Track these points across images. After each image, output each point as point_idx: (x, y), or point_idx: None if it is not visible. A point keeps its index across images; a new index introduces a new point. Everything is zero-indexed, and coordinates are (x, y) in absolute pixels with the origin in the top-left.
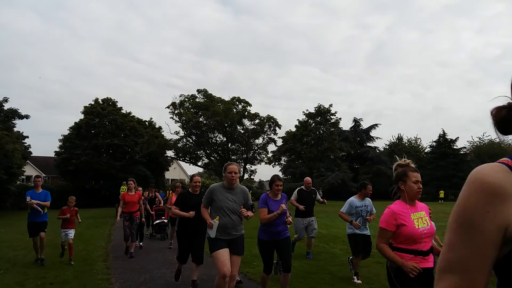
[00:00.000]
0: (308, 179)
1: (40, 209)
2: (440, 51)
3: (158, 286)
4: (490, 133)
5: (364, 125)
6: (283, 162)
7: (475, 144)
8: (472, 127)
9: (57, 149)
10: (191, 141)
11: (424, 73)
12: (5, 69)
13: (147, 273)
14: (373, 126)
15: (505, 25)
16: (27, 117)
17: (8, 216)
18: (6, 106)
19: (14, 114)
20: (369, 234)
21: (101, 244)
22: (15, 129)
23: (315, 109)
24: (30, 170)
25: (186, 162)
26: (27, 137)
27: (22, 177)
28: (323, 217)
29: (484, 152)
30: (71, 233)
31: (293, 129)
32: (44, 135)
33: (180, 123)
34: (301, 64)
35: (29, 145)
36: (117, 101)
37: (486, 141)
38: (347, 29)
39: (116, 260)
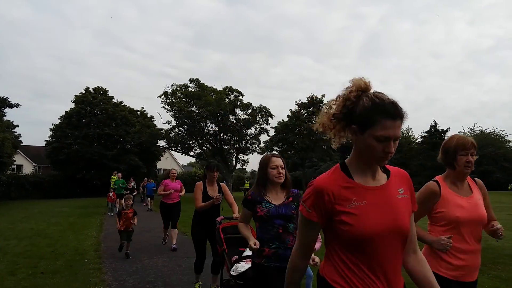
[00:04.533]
0: None
1: None
2: (433, 42)
3: (150, 275)
4: (481, 123)
5: None
6: (275, 152)
7: (466, 134)
8: (463, 118)
9: (48, 139)
10: (183, 130)
11: (417, 64)
12: None
13: (138, 262)
14: None
15: (498, 16)
16: (17, 106)
17: None
18: None
19: (4, 103)
20: None
21: (92, 233)
22: (5, 118)
23: (308, 99)
24: (20, 160)
25: (178, 152)
26: (17, 126)
27: (13, 166)
28: None
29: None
30: None
31: (286, 119)
32: (34, 124)
33: (172, 113)
34: (295, 54)
35: (20, 134)
36: (108, 90)
37: (476, 132)
38: (341, 20)
39: (107, 250)
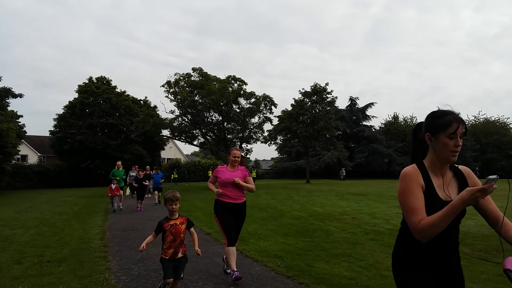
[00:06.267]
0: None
1: None
2: (438, 29)
3: (155, 263)
4: (486, 111)
5: (360, 104)
6: (279, 141)
7: (471, 122)
8: (468, 106)
9: (52, 129)
10: (186, 120)
11: (422, 52)
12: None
13: (143, 251)
14: (369, 105)
15: (503, 3)
16: (20, 96)
17: (4, 195)
18: (0, 85)
19: (8, 93)
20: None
21: (97, 222)
22: (9, 108)
23: (311, 88)
24: (25, 150)
25: (181, 141)
26: (21, 116)
27: (17, 156)
28: (318, 195)
29: (479, 130)
30: None
31: (289, 108)
32: (38, 114)
33: (175, 102)
34: (298, 42)
35: (24, 124)
36: (111, 80)
37: (481, 119)
38: (345, 8)
39: (113, 238)
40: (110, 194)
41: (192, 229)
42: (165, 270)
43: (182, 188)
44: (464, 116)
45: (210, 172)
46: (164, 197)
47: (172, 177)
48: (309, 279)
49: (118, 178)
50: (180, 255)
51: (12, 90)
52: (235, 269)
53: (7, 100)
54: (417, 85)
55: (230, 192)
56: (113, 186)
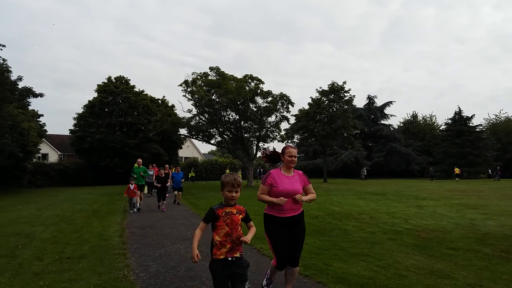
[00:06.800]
0: None
1: None
2: (457, 27)
3: (173, 261)
4: (507, 110)
5: (379, 102)
6: (296, 140)
7: (492, 121)
8: (488, 104)
9: (72, 127)
10: (203, 119)
11: (441, 50)
12: (19, 48)
13: (162, 248)
14: (388, 104)
15: None
16: (41, 95)
17: (25, 193)
18: (21, 85)
19: (29, 92)
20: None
21: (116, 220)
22: (30, 108)
23: (329, 87)
24: (45, 148)
25: (199, 140)
26: (42, 115)
27: (38, 155)
28: (335, 194)
29: (501, 129)
30: None
31: (306, 107)
32: (58, 113)
33: (192, 101)
34: (315, 41)
35: (44, 123)
36: (129, 79)
37: (502, 118)
38: (362, 5)
39: (131, 236)
40: (129, 196)
41: (251, 223)
42: (217, 282)
43: (199, 187)
44: (485, 115)
45: (228, 170)
46: (222, 181)
47: (189, 176)
48: (327, 278)
49: (135, 175)
50: (238, 254)
51: (33, 89)
52: (272, 279)
53: (28, 100)
54: (436, 83)
55: (287, 204)
56: (131, 187)
